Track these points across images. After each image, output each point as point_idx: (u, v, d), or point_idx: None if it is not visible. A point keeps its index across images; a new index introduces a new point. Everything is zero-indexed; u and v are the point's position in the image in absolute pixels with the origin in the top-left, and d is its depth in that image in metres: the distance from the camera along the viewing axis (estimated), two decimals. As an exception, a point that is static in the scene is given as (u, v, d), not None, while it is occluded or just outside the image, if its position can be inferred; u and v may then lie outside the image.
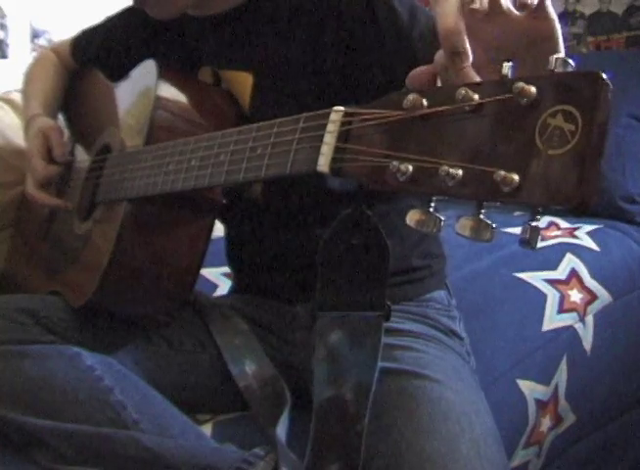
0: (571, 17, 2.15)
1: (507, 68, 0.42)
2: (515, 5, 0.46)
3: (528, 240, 0.40)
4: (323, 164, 0.50)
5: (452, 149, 0.42)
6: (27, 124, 1.06)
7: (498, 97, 0.40)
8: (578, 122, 0.37)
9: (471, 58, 0.45)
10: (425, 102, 0.44)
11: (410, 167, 0.43)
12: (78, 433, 0.71)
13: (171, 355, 0.88)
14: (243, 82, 0.85)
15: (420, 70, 0.49)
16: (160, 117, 0.81)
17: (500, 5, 0.47)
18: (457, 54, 0.45)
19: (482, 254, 1.34)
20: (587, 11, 2.13)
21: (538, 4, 0.46)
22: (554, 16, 0.47)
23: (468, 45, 0.45)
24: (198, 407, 0.87)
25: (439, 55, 0.47)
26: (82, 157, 1.04)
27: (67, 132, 1.12)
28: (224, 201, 0.82)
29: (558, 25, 0.47)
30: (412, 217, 0.44)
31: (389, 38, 0.75)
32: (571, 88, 0.38)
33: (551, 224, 1.53)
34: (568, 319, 1.22)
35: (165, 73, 0.84)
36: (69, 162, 1.04)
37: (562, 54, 0.45)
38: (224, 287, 1.22)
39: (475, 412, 0.72)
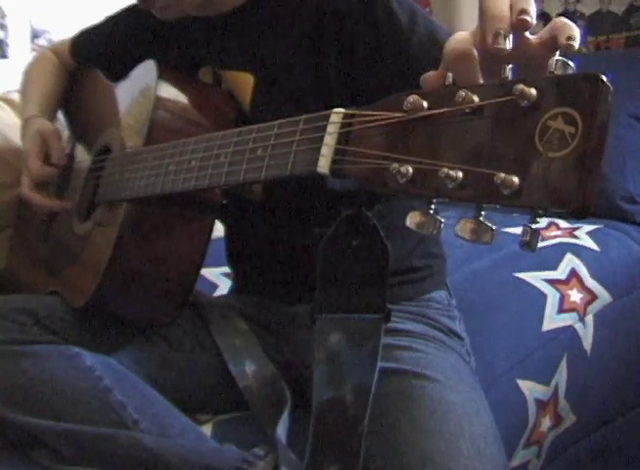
0: (571, 17, 2.15)
1: (507, 70, 0.42)
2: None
3: (529, 242, 0.40)
4: (323, 165, 0.50)
5: (452, 151, 0.42)
6: (24, 126, 1.06)
7: (498, 99, 0.40)
8: (578, 125, 0.36)
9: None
10: (425, 104, 0.44)
11: (410, 169, 0.43)
12: (78, 433, 0.71)
13: (171, 355, 0.89)
14: (244, 83, 0.85)
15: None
16: (160, 117, 0.81)
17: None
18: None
19: (482, 254, 1.34)
20: (587, 11, 2.12)
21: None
22: None
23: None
24: (198, 407, 0.87)
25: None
26: (82, 157, 1.04)
27: (66, 132, 1.12)
28: (224, 201, 0.82)
29: None
30: (412, 220, 0.44)
31: (387, 42, 0.74)
32: (571, 90, 0.37)
33: (551, 224, 1.53)
34: (567, 319, 1.22)
35: (165, 73, 0.84)
36: (66, 165, 1.03)
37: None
38: (224, 287, 1.22)
39: (475, 412, 0.72)
